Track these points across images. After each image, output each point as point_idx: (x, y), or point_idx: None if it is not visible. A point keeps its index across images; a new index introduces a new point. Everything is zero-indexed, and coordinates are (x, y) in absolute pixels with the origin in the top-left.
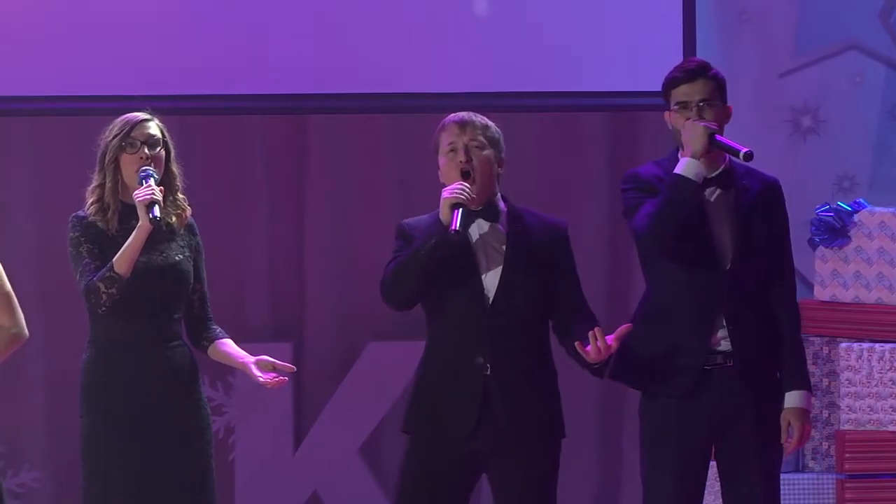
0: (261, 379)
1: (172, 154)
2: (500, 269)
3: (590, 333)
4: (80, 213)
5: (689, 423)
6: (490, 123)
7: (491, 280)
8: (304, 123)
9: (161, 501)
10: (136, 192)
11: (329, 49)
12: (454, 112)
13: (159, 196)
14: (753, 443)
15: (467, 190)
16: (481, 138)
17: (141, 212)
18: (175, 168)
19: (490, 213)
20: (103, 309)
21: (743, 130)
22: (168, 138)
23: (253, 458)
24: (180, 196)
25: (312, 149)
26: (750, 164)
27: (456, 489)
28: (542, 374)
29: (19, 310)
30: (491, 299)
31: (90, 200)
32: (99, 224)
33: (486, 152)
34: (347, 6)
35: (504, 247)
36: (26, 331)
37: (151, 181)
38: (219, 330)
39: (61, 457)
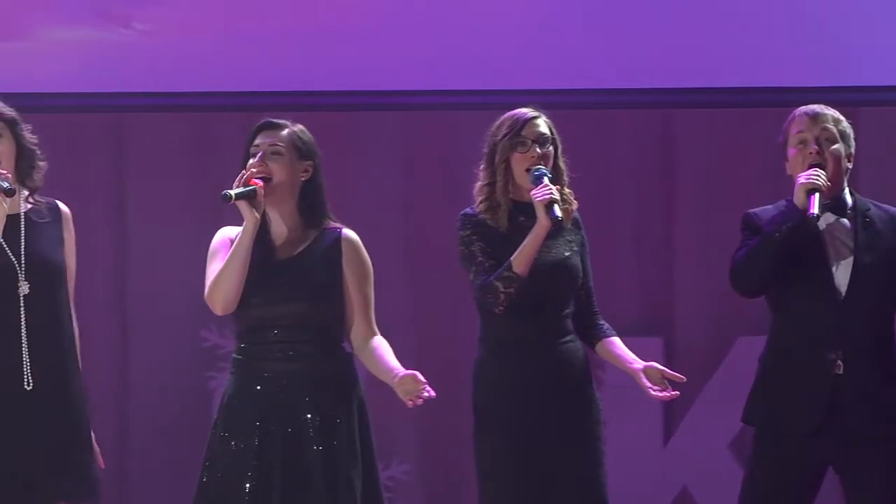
0: (651, 392)
1: (560, 150)
2: (850, 262)
3: None
4: (469, 210)
5: None
6: (841, 117)
7: (842, 274)
8: (669, 118)
9: (553, 500)
10: (534, 191)
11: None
12: (813, 106)
13: (558, 195)
14: None
15: (823, 176)
16: (832, 130)
17: (540, 211)
18: (562, 164)
19: (838, 206)
20: (500, 308)
21: None
22: (556, 134)
23: (623, 452)
24: (567, 191)
25: (679, 143)
26: None
27: (801, 485)
28: (890, 369)
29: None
30: (843, 293)
31: (479, 199)
32: (489, 222)
33: (836, 146)
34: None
35: (852, 241)
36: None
37: (546, 180)
38: (606, 326)
39: (430, 451)
